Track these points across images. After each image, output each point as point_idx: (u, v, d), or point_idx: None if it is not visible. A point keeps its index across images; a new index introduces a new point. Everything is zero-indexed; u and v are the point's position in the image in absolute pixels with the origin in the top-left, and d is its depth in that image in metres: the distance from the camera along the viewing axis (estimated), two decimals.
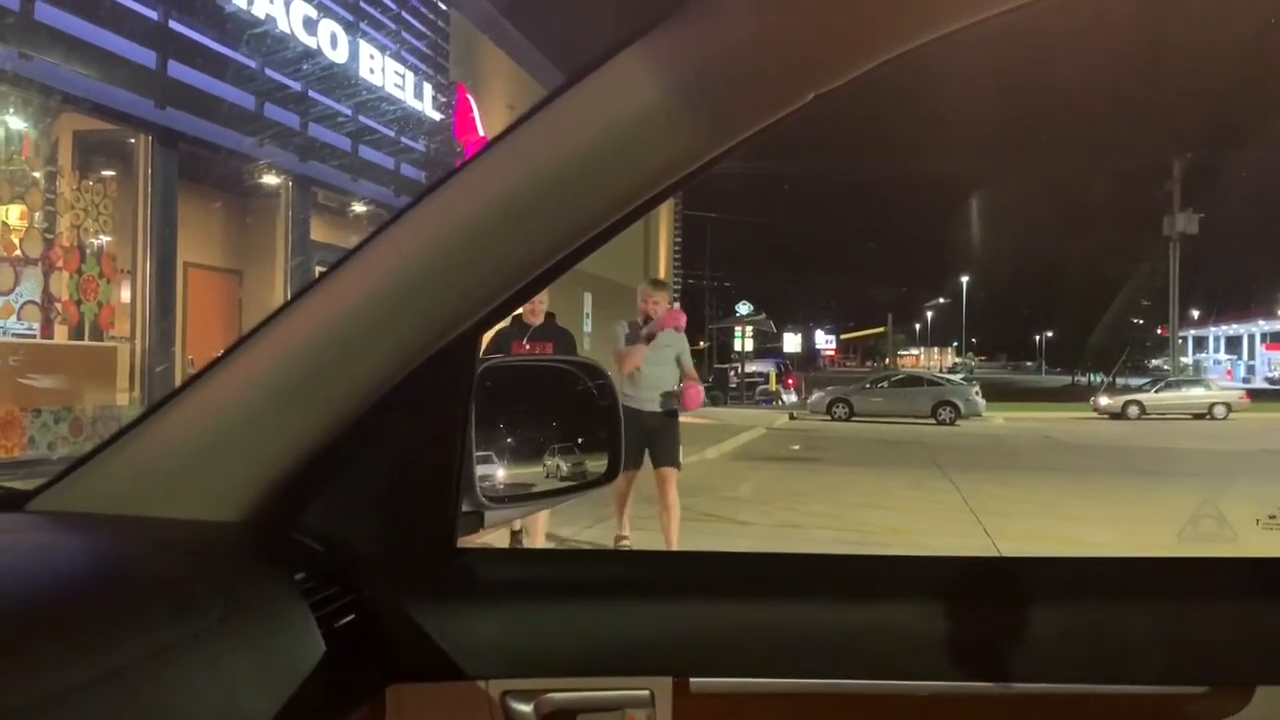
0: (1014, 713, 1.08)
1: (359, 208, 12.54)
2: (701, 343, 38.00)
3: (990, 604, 1.11)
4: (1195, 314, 58.40)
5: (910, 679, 1.07)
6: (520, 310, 5.70)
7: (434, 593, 1.08)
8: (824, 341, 79.32)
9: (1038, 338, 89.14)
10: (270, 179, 11.11)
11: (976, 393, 29.37)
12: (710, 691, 1.08)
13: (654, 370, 6.21)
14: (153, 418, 1.01)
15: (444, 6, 13.85)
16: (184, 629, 0.78)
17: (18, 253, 8.17)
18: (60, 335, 8.58)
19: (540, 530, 6.16)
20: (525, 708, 1.07)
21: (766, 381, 38.27)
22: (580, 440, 1.29)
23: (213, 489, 1.01)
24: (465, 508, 1.09)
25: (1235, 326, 59.83)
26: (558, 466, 1.27)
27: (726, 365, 39.41)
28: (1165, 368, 42.29)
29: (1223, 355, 62.58)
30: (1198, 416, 29.36)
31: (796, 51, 0.88)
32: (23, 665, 0.66)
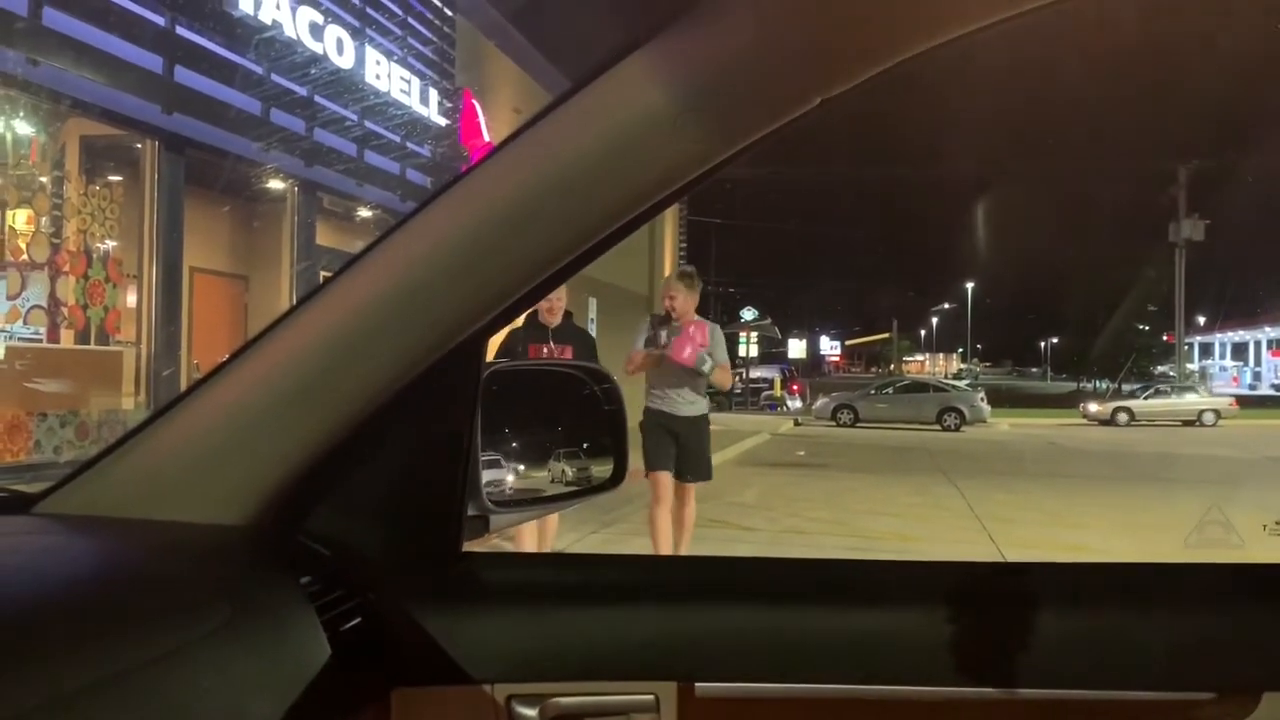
0: (1019, 719, 1.07)
1: (365, 212, 12.55)
2: None
3: (996, 609, 1.11)
4: (1201, 320, 58.30)
5: (916, 684, 1.07)
6: (536, 308, 5.40)
7: (439, 597, 1.08)
8: (829, 347, 79.39)
9: (1043, 344, 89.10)
10: (276, 184, 11.13)
11: (982, 399, 29.34)
12: (715, 696, 1.08)
13: (682, 370, 5.60)
14: (159, 421, 1.02)
15: (450, 12, 13.87)
16: (190, 632, 0.78)
17: (24, 257, 8.19)
18: (66, 340, 8.60)
19: (550, 534, 5.91)
20: (530, 712, 1.07)
21: (771, 387, 38.30)
22: (585, 445, 1.29)
23: (219, 492, 1.01)
24: (470, 512, 1.10)
25: (1241, 333, 59.68)
26: (563, 471, 1.27)
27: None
28: (1171, 374, 42.19)
29: (1229, 362, 62.42)
30: (1187, 423, 29.25)
31: (802, 57, 0.88)
32: (30, 668, 0.66)
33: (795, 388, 38.37)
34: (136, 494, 1.01)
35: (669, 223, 25.29)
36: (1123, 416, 30.15)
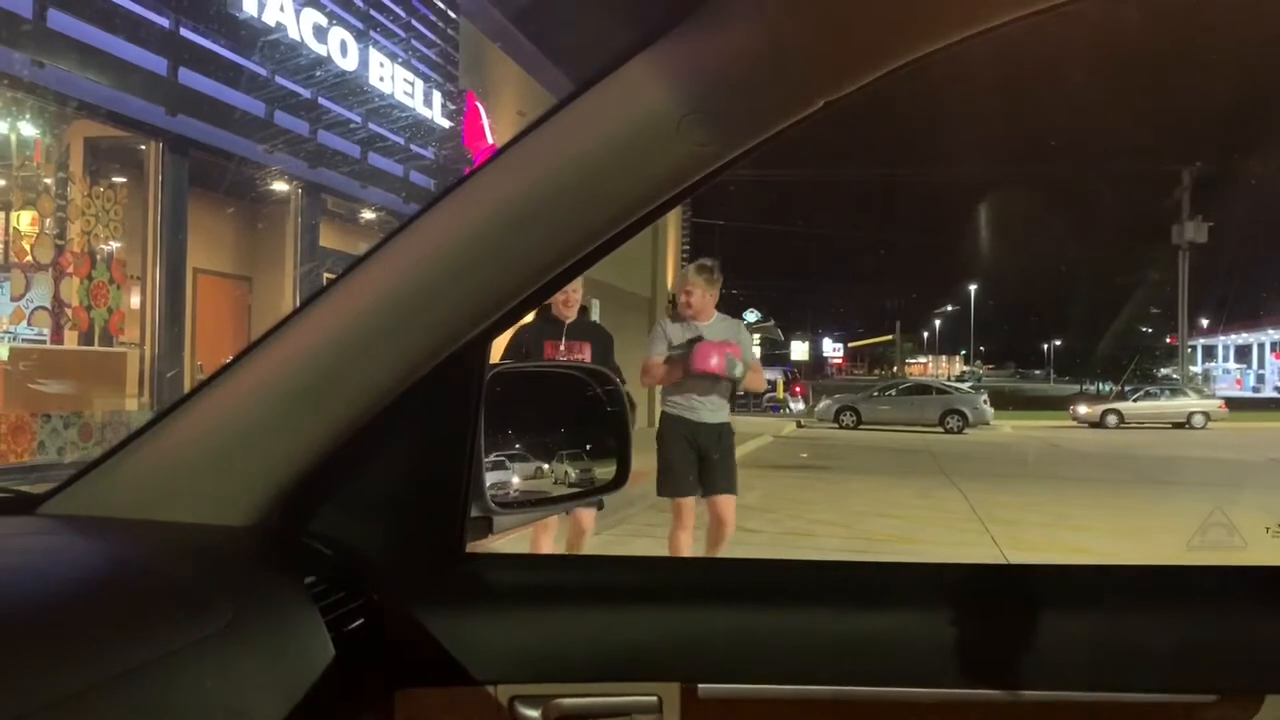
0: None
1: (368, 214, 12.57)
2: None
3: (998, 611, 1.11)
4: (1204, 322, 58.15)
5: (918, 686, 1.07)
6: (550, 301, 5.04)
7: (443, 597, 1.08)
8: (831, 349, 79.28)
9: (1046, 346, 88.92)
10: (280, 185, 11.15)
11: (984, 401, 29.28)
12: (718, 697, 1.08)
13: (704, 375, 5.08)
14: (163, 423, 1.02)
15: (454, 14, 13.89)
16: (194, 632, 0.78)
17: (29, 258, 8.21)
18: (70, 341, 8.62)
19: (551, 536, 5.71)
20: (533, 713, 1.07)
21: (774, 389, 38.24)
22: (589, 446, 1.29)
23: (223, 493, 1.01)
24: (474, 513, 1.10)
25: (1245, 335, 59.54)
26: (566, 472, 1.27)
27: None
28: (1174, 376, 42.13)
29: (1232, 364, 62.28)
30: (1177, 425, 28.99)
31: (806, 59, 0.88)
32: (34, 668, 0.66)
33: (798, 389, 38.32)
34: (141, 495, 1.01)
35: (672, 225, 25.27)
36: (1112, 419, 29.85)
